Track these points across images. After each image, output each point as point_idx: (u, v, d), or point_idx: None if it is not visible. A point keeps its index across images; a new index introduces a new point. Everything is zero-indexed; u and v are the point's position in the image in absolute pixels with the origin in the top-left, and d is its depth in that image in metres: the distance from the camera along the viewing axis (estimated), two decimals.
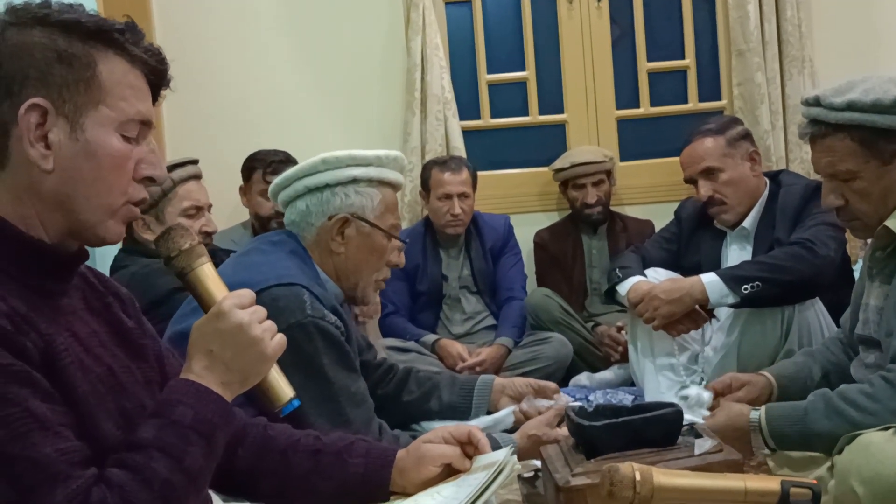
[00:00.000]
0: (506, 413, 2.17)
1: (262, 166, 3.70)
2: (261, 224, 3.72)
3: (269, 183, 3.61)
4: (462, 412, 2.23)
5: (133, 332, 1.31)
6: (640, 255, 3.13)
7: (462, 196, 3.71)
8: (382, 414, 1.98)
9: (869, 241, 2.02)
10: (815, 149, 1.96)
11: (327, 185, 1.99)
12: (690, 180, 3.03)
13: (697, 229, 3.11)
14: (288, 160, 3.65)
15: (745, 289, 2.64)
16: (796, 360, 2.22)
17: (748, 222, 2.95)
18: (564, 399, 2.15)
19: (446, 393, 2.25)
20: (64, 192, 1.15)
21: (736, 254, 2.98)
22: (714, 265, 2.97)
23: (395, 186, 2.08)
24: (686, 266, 3.09)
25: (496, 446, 1.70)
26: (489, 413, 2.23)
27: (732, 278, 2.68)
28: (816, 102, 1.92)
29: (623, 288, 2.88)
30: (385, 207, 2.03)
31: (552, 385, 2.24)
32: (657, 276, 2.92)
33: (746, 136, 3.03)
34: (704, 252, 3.05)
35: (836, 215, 2.01)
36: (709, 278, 2.71)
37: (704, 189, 2.95)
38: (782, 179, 2.98)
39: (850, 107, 1.85)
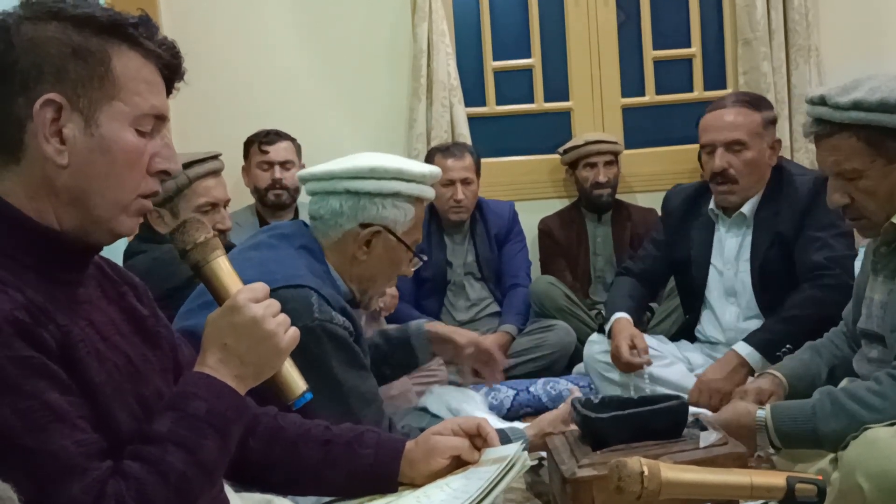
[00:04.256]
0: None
1: (257, 139, 3.80)
2: (259, 198, 3.78)
3: (264, 153, 3.72)
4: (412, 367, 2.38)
5: (148, 321, 1.32)
6: (629, 277, 3.09)
7: (465, 182, 3.70)
8: None
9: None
10: (821, 148, 1.94)
11: (368, 193, 1.95)
12: (708, 145, 2.81)
13: (686, 218, 2.97)
14: (280, 132, 3.79)
15: (778, 355, 2.50)
16: (803, 357, 2.21)
17: (747, 208, 2.82)
18: (576, 392, 2.15)
19: (395, 358, 2.32)
20: (79, 186, 1.16)
21: (732, 241, 2.86)
22: (706, 256, 2.89)
23: (426, 202, 2.06)
24: (678, 259, 2.98)
25: (506, 440, 1.71)
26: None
27: (765, 347, 2.62)
28: (822, 102, 1.90)
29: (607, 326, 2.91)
30: (414, 223, 2.01)
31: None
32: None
33: (774, 122, 2.91)
34: (695, 243, 2.93)
35: (841, 213, 2.01)
36: (746, 350, 2.63)
37: (721, 160, 2.75)
38: (784, 166, 2.86)
39: (856, 106, 1.84)
